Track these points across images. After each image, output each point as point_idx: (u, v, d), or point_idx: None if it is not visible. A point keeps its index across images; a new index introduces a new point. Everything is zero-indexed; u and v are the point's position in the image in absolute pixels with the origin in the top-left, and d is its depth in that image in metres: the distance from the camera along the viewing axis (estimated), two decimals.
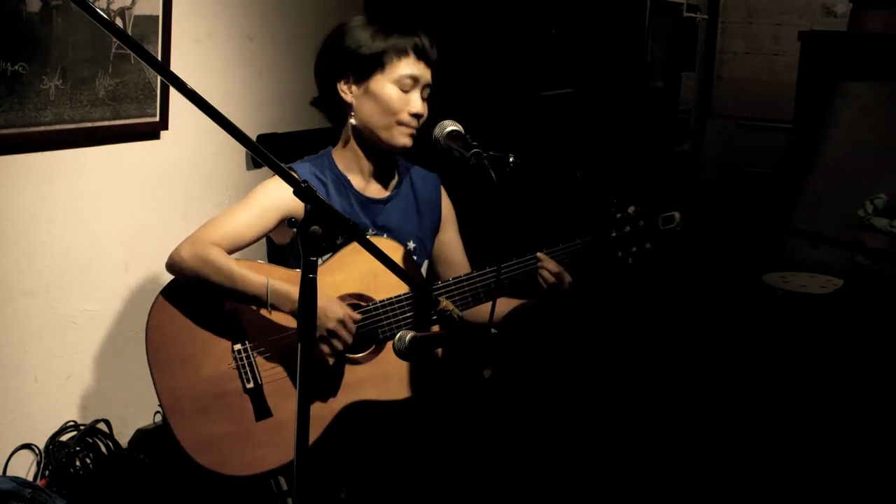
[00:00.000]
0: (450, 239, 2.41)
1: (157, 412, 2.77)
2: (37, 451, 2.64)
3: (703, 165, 5.11)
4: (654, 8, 3.54)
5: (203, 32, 2.99)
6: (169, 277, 2.14)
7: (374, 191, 2.28)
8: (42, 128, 2.51)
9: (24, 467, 2.62)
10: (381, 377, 2.14)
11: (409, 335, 1.82)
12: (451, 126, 2.10)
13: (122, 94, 2.71)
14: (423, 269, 2.37)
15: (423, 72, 2.19)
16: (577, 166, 3.36)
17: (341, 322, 2.03)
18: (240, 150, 3.16)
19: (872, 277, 3.49)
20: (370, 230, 2.23)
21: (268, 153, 1.40)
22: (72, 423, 2.71)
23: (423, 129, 2.19)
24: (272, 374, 2.11)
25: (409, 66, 2.17)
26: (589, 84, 3.45)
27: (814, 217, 3.89)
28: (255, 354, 2.11)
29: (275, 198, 2.15)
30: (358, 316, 2.08)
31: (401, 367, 2.14)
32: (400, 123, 2.18)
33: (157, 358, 2.09)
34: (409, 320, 2.14)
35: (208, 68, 3.03)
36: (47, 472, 2.61)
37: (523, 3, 3.45)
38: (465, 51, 3.32)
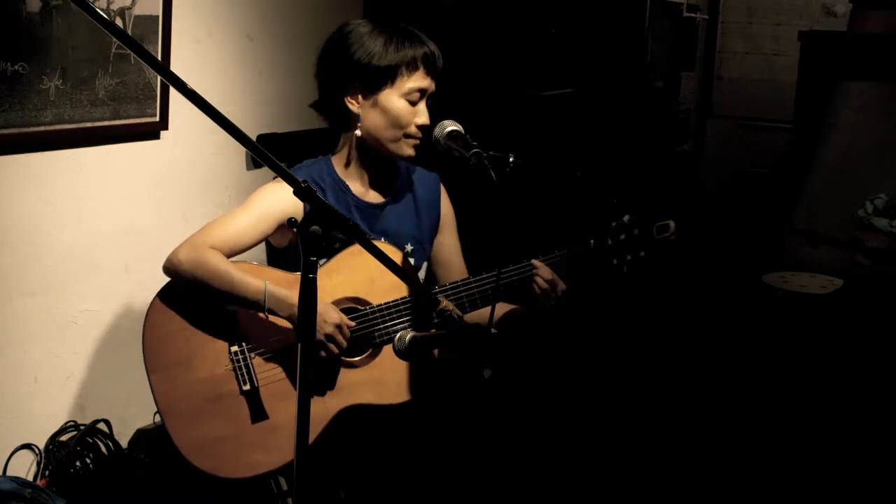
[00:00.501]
0: (448, 241, 2.41)
1: (157, 412, 2.76)
2: (37, 451, 2.64)
3: (703, 165, 5.11)
4: (654, 8, 3.54)
5: (203, 32, 2.99)
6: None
7: (373, 196, 2.28)
8: (42, 128, 2.51)
9: (24, 467, 2.62)
10: (377, 381, 2.14)
11: (409, 335, 1.82)
12: (451, 126, 2.10)
13: (122, 94, 2.71)
14: (422, 272, 2.36)
15: (430, 84, 2.19)
16: (577, 166, 3.35)
17: (338, 327, 2.05)
18: (240, 150, 3.16)
19: (872, 277, 3.48)
20: (368, 235, 2.22)
21: (268, 153, 1.40)
22: (72, 423, 2.71)
23: (424, 130, 2.20)
24: (269, 377, 2.11)
25: (418, 80, 2.16)
26: (589, 84, 3.45)
27: (814, 217, 3.89)
28: (251, 356, 2.11)
29: (274, 202, 2.15)
30: (352, 323, 2.10)
31: (397, 371, 2.14)
32: (407, 136, 2.18)
33: (154, 360, 2.09)
34: (406, 325, 2.14)
35: (208, 68, 3.03)
36: (47, 472, 2.61)
37: (523, 4, 3.45)
38: (466, 51, 3.32)
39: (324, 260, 2.14)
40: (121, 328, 2.84)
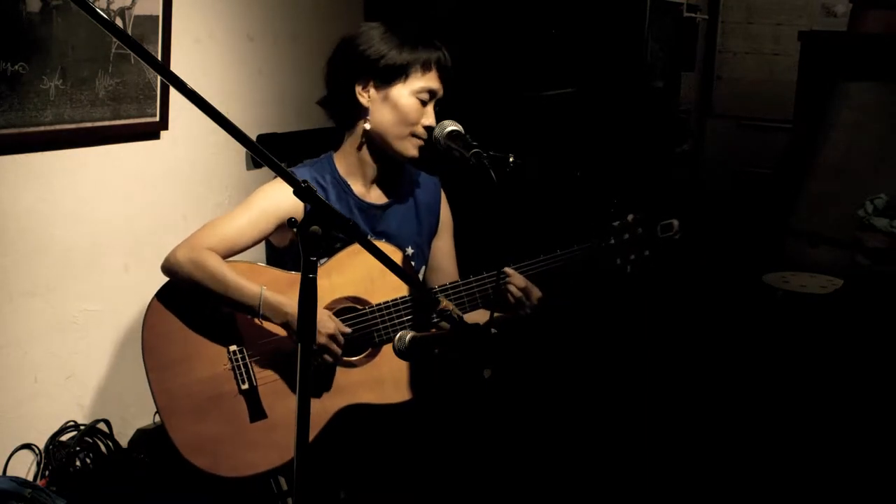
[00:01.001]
0: (443, 245, 2.40)
1: (157, 412, 2.76)
2: (37, 451, 2.64)
3: (703, 165, 5.11)
4: (654, 8, 3.54)
5: (203, 32, 2.99)
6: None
7: (375, 196, 2.28)
8: (42, 128, 2.51)
9: (24, 467, 2.62)
10: (377, 381, 2.14)
11: (409, 335, 1.82)
12: (451, 126, 2.10)
13: (122, 94, 2.71)
14: (421, 275, 2.36)
15: (440, 87, 2.20)
16: (577, 166, 3.36)
17: (331, 337, 2.05)
18: (240, 150, 3.16)
19: (872, 277, 3.48)
20: (369, 236, 2.22)
21: (268, 153, 1.40)
22: (72, 423, 2.71)
23: (430, 132, 2.20)
24: (267, 376, 2.11)
25: (431, 81, 2.17)
26: (589, 84, 3.45)
27: (814, 217, 3.89)
28: (250, 356, 2.11)
29: (274, 202, 2.15)
30: (348, 330, 2.10)
31: (396, 371, 2.14)
32: (413, 135, 2.18)
33: (153, 359, 2.10)
34: (405, 324, 2.14)
35: (208, 68, 3.03)
36: (47, 472, 2.61)
37: (523, 4, 3.45)
38: (466, 51, 3.31)
39: (324, 259, 2.14)
40: (121, 328, 2.84)
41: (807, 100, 4.19)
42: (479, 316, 2.25)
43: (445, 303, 1.76)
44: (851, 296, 3.36)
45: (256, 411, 2.10)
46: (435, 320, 2.16)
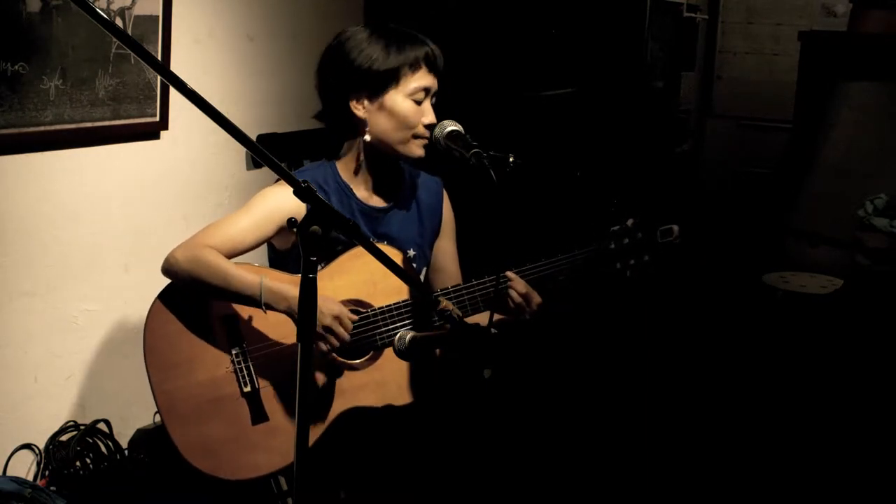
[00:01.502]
0: (445, 246, 2.39)
1: (157, 412, 2.77)
2: (37, 451, 2.64)
3: (703, 165, 5.11)
4: (654, 8, 3.54)
5: (203, 32, 2.99)
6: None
7: (377, 200, 2.27)
8: (42, 128, 2.51)
9: (24, 467, 2.62)
10: (379, 383, 2.14)
11: (409, 335, 1.82)
12: (451, 126, 2.10)
13: (122, 94, 2.71)
14: (423, 277, 2.36)
15: (433, 82, 2.18)
16: (577, 166, 3.36)
17: (337, 318, 2.02)
18: (240, 150, 3.16)
19: (872, 277, 3.48)
20: (370, 239, 2.21)
21: (268, 153, 1.40)
22: (72, 423, 2.71)
23: (431, 129, 2.19)
24: (270, 380, 2.11)
25: (422, 79, 2.15)
26: (589, 84, 3.45)
27: (814, 217, 3.89)
28: (252, 359, 2.11)
29: (276, 204, 2.14)
30: (355, 317, 2.08)
31: (398, 374, 2.14)
32: (416, 136, 2.17)
33: (154, 361, 2.09)
34: (407, 327, 2.13)
35: (208, 68, 3.03)
36: (47, 472, 2.61)
37: (523, 4, 3.45)
38: (466, 51, 3.32)
39: (322, 264, 2.13)
40: (121, 328, 2.84)
41: (807, 100, 4.19)
42: (480, 319, 2.25)
43: (446, 303, 1.76)
44: (851, 296, 3.36)
45: (258, 414, 2.09)
46: (436, 321, 2.16)
